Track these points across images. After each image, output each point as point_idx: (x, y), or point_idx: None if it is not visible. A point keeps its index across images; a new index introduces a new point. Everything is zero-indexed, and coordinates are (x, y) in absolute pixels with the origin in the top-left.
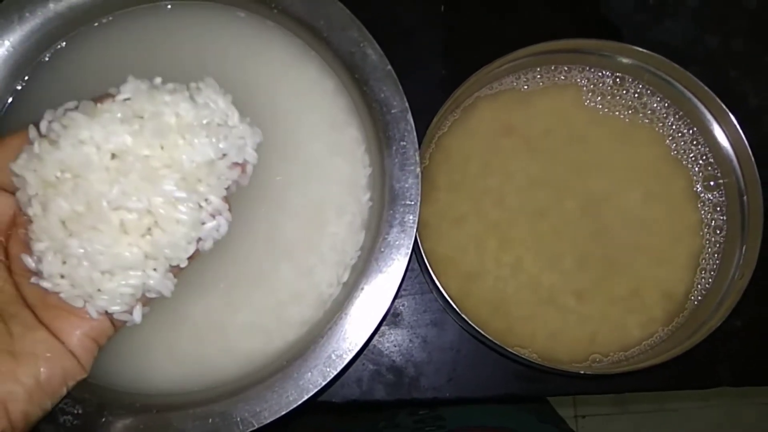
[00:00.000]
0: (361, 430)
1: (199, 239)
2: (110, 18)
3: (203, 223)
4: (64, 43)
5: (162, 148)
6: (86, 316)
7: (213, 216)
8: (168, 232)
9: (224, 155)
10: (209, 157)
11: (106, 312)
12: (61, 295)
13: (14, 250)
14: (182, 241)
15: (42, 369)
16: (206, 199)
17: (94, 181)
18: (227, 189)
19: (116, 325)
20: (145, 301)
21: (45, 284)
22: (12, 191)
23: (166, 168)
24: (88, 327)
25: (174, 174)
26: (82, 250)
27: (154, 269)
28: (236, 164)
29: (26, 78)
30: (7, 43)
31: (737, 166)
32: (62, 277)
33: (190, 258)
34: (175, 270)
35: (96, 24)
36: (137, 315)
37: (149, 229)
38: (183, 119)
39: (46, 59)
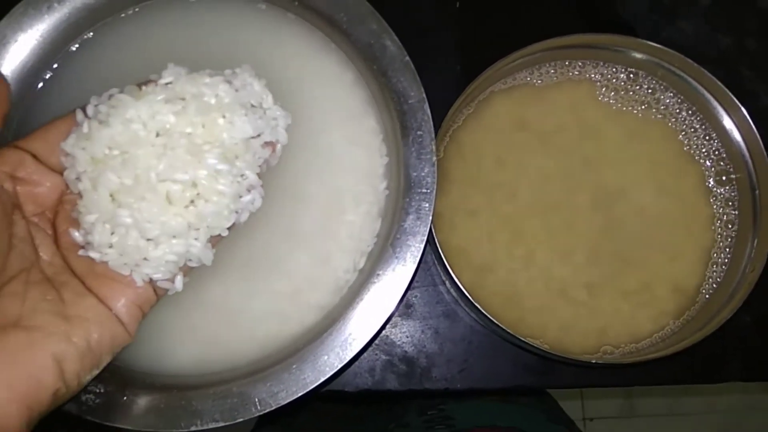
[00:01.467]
0: (370, 430)
1: (236, 212)
2: (136, 9)
3: (240, 197)
4: (92, 34)
5: (203, 126)
6: (132, 284)
7: (248, 190)
8: (211, 202)
9: (259, 134)
10: (248, 134)
11: (151, 280)
12: (109, 263)
13: (62, 226)
14: (224, 211)
15: (93, 333)
16: (243, 175)
17: (141, 156)
18: (260, 167)
19: (158, 294)
20: (186, 271)
21: (93, 254)
22: (59, 171)
23: (208, 144)
24: (134, 294)
25: (215, 149)
26: (130, 220)
27: (196, 239)
28: (268, 143)
29: (55, 66)
30: (36, 32)
31: (749, 161)
32: (110, 246)
33: (229, 228)
34: (215, 240)
35: (122, 15)
36: (179, 283)
37: (192, 201)
38: (222, 100)
39: (74, 49)
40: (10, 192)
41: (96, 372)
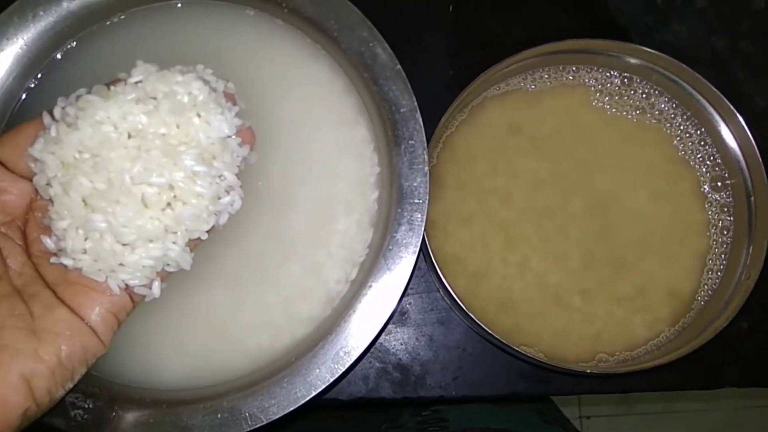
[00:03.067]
0: (365, 430)
1: (215, 214)
2: (122, 17)
3: (219, 198)
4: (75, 43)
5: (178, 126)
6: (106, 291)
7: (227, 191)
8: (189, 204)
9: (236, 133)
10: (224, 133)
11: (127, 286)
12: (83, 270)
13: (32, 234)
14: (203, 213)
15: (63, 347)
16: (221, 176)
17: (114, 159)
18: (238, 166)
19: (135, 301)
20: (164, 276)
21: (66, 261)
22: (28, 177)
23: (184, 145)
24: (108, 302)
25: (192, 150)
26: (104, 224)
27: (174, 242)
28: (244, 138)
29: (39, 76)
30: (21, 41)
31: (745, 167)
32: (84, 252)
33: (208, 231)
34: (194, 243)
35: (107, 23)
36: (156, 289)
37: (169, 203)
38: (196, 98)
39: (59, 57)
40: None
41: (70, 385)
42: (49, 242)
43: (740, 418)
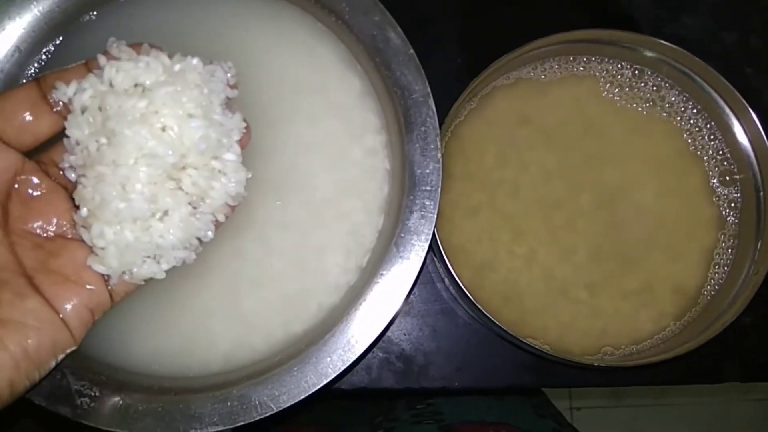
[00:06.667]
0: (358, 423)
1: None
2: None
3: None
4: (86, 18)
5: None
6: (87, 284)
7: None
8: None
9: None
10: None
11: (106, 281)
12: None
13: (14, 211)
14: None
15: (30, 339)
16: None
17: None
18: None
19: (114, 299)
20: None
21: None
22: (15, 147)
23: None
24: (86, 296)
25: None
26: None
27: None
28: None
29: (43, 59)
30: (24, 21)
31: (755, 162)
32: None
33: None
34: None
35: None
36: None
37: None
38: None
39: (58, 42)
40: None
41: (37, 378)
42: (84, 212)
43: (731, 410)
